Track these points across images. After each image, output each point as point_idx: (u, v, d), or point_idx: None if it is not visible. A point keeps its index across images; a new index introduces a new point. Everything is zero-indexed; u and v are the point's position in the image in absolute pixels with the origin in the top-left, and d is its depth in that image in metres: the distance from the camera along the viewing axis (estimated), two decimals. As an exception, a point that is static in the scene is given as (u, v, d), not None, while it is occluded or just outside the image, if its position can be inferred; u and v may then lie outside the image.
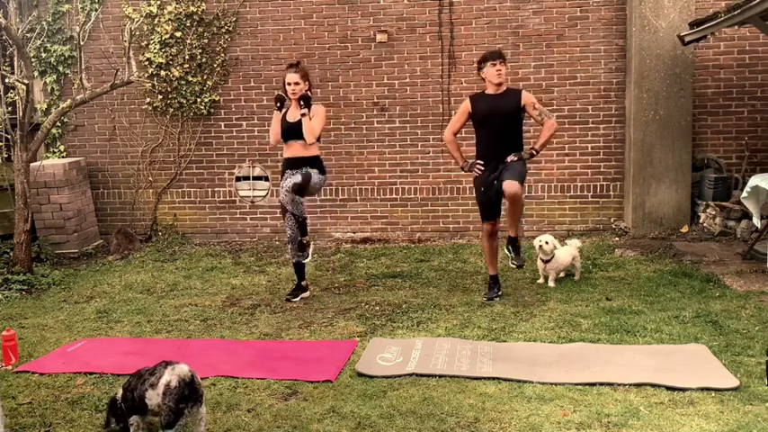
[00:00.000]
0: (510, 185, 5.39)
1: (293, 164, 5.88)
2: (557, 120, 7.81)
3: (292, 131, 5.83)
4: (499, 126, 5.61)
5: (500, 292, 5.81)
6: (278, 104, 5.92)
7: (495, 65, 5.61)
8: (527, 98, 5.64)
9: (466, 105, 5.79)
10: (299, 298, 5.96)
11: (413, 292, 6.11)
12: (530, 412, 3.70)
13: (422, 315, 5.43)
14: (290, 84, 5.80)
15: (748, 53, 7.84)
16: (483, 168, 5.67)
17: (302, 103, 5.78)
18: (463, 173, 8.13)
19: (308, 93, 5.89)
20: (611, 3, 7.89)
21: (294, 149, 5.88)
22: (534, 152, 5.67)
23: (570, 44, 7.98)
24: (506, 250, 5.90)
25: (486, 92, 5.75)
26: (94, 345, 5.03)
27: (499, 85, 5.65)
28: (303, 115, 5.76)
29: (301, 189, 5.83)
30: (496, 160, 5.62)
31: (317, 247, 7.56)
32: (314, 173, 5.87)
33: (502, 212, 5.85)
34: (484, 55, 5.76)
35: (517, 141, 5.67)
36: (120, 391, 3.53)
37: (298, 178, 5.79)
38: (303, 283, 6.06)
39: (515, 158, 5.57)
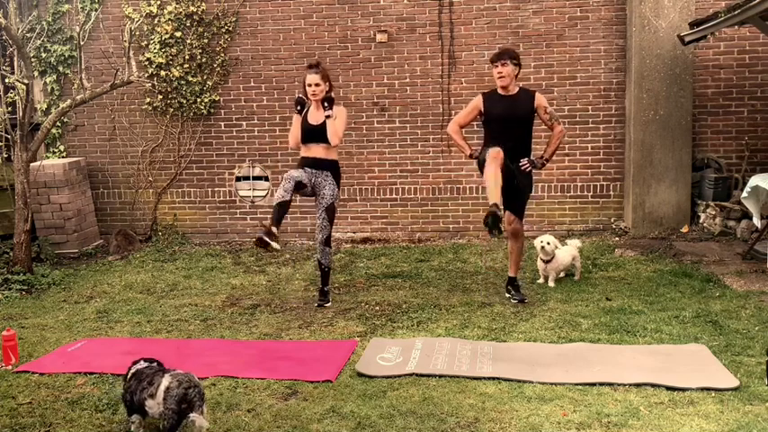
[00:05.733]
0: (514, 226, 5.66)
1: (313, 164, 5.70)
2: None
3: (314, 134, 5.67)
4: (510, 129, 5.51)
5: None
6: (298, 107, 5.74)
7: (496, 66, 5.51)
8: (540, 101, 5.56)
9: (477, 103, 5.65)
10: (273, 243, 5.39)
11: (413, 292, 6.11)
12: (530, 412, 3.70)
13: (422, 315, 5.42)
14: (310, 85, 5.64)
15: (748, 53, 7.84)
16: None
17: (326, 104, 5.63)
18: (463, 173, 8.20)
19: (331, 94, 5.73)
20: (611, 3, 7.88)
21: (315, 152, 5.70)
22: (545, 161, 5.64)
23: (570, 44, 7.98)
24: (506, 292, 5.80)
25: (497, 91, 5.61)
26: (94, 345, 5.03)
27: (504, 87, 5.56)
28: (328, 117, 5.61)
29: (333, 213, 5.71)
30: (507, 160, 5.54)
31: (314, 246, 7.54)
32: (335, 199, 5.71)
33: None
34: (491, 55, 5.64)
35: (527, 144, 5.61)
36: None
37: (327, 231, 5.67)
38: (274, 228, 5.47)
39: (528, 166, 5.54)
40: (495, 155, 5.28)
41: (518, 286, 5.78)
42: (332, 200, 5.71)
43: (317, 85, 5.64)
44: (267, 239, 5.36)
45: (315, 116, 5.71)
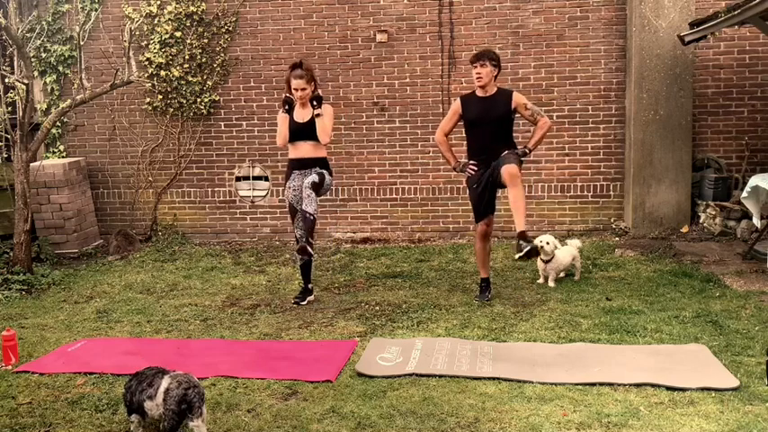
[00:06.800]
0: (508, 168, 5.28)
1: (302, 165, 5.76)
2: (557, 119, 7.89)
3: (301, 132, 5.71)
4: (489, 129, 5.56)
5: (490, 295, 5.78)
6: (286, 106, 5.78)
7: (475, 67, 5.56)
8: (518, 100, 5.58)
9: (456, 107, 5.74)
10: (306, 301, 5.89)
11: (413, 292, 6.11)
12: (530, 412, 3.70)
13: (422, 315, 5.42)
14: (296, 90, 5.67)
15: (748, 53, 7.84)
16: (476, 169, 5.63)
17: (314, 103, 5.67)
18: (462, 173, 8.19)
19: (318, 92, 5.77)
20: (611, 3, 7.88)
21: (303, 150, 5.75)
22: (527, 151, 5.61)
23: (570, 44, 7.98)
24: (518, 246, 5.25)
25: (476, 93, 5.69)
26: (94, 345, 5.03)
27: (483, 87, 5.60)
28: (318, 116, 5.65)
29: (318, 187, 5.74)
30: (488, 160, 5.57)
31: (317, 248, 7.55)
32: (325, 173, 5.79)
33: (497, 209, 5.75)
34: (471, 57, 5.70)
35: (508, 141, 5.64)
36: None
37: (315, 177, 5.68)
38: (310, 286, 5.97)
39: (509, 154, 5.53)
40: (480, 232, 5.74)
41: (528, 239, 5.26)
42: (317, 175, 5.69)
43: (302, 89, 5.67)
44: (308, 297, 5.97)
45: (301, 114, 5.75)
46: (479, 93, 5.65)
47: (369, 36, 8.22)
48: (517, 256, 5.26)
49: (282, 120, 5.80)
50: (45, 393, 4.17)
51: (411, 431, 3.56)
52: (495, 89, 5.64)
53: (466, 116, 5.67)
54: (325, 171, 5.81)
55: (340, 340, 4.96)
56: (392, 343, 4.79)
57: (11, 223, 7.27)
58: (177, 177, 8.61)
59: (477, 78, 5.56)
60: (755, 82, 7.87)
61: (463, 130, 5.82)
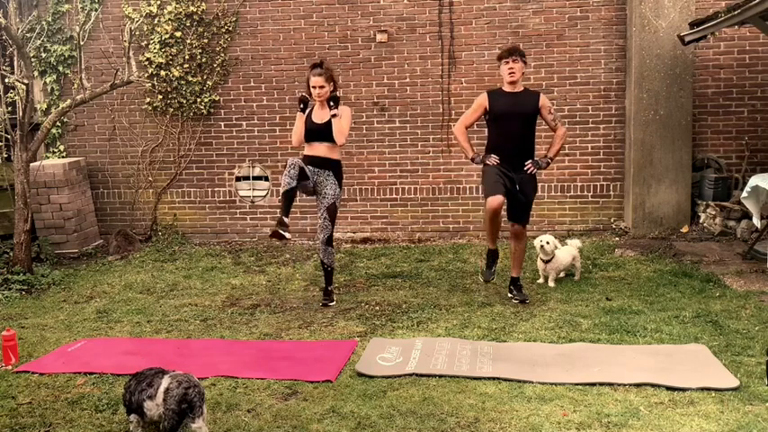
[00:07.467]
0: (518, 228, 5.72)
1: (316, 162, 5.69)
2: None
3: (318, 133, 5.66)
4: (515, 126, 5.53)
5: (495, 270, 5.77)
6: (301, 105, 5.74)
7: (507, 62, 5.52)
8: (544, 102, 5.61)
9: (482, 100, 5.66)
10: (286, 234, 5.52)
11: (413, 292, 6.11)
12: (530, 412, 3.70)
13: (422, 315, 5.42)
14: (314, 87, 5.63)
15: (748, 53, 7.84)
16: (498, 162, 5.52)
17: (331, 103, 5.63)
18: (464, 173, 8.20)
19: (336, 93, 5.72)
20: (611, 3, 7.88)
21: (318, 150, 5.70)
22: (549, 161, 5.67)
23: (570, 44, 7.98)
24: (508, 292, 5.80)
25: (503, 88, 5.66)
26: (94, 345, 5.03)
27: (513, 83, 5.58)
28: (334, 116, 5.61)
29: (335, 213, 5.71)
30: (510, 160, 5.54)
31: (315, 248, 7.55)
32: (336, 199, 5.70)
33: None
34: (500, 53, 5.67)
35: (530, 143, 5.63)
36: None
37: (329, 231, 5.67)
38: (285, 219, 5.57)
39: (533, 169, 5.54)
40: (491, 205, 5.35)
41: (520, 286, 5.78)
42: (333, 199, 5.71)
43: (321, 87, 5.64)
44: (281, 231, 5.48)
45: (319, 115, 5.71)
46: (507, 88, 5.62)
47: (369, 36, 8.22)
48: (513, 300, 5.74)
49: (299, 119, 5.75)
50: (45, 393, 4.17)
51: (411, 431, 3.56)
52: (522, 87, 5.65)
53: (492, 109, 5.60)
54: (337, 185, 5.71)
55: (340, 340, 4.96)
56: (392, 343, 4.79)
57: (11, 223, 7.27)
58: (177, 177, 8.61)
59: (510, 73, 5.52)
60: (755, 82, 7.87)
61: (475, 132, 5.76)
